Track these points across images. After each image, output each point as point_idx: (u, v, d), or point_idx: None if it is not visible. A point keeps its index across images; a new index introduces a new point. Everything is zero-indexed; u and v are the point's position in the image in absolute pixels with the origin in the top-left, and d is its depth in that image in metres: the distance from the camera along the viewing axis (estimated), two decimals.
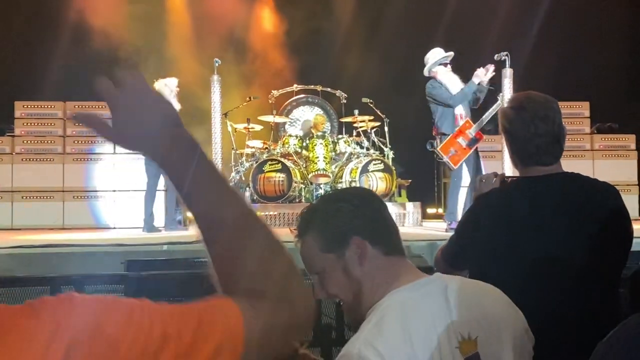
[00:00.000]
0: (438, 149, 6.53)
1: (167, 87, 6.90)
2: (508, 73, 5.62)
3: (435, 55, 6.51)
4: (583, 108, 8.81)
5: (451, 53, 6.45)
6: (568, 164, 7.77)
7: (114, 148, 8.27)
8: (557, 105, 2.12)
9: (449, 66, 6.41)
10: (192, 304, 0.79)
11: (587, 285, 1.93)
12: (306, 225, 1.49)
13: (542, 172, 2.05)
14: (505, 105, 2.20)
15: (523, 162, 2.11)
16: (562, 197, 2.00)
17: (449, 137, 6.28)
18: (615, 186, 7.78)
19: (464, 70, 6.78)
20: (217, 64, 5.64)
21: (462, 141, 6.16)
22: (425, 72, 6.47)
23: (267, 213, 7.41)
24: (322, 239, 1.45)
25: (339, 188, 1.71)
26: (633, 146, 8.68)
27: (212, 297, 0.83)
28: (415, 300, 1.38)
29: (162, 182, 7.22)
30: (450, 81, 6.35)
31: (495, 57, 5.89)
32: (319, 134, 8.09)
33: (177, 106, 7.07)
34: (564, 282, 1.92)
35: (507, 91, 5.50)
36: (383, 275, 1.43)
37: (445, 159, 6.39)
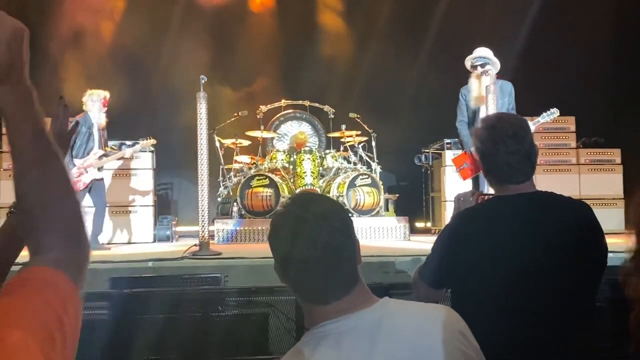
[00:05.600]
0: (452, 159, 6.56)
1: (93, 100, 6.79)
2: (492, 89, 5.65)
3: (474, 54, 6.26)
4: (569, 123, 8.89)
5: (479, 56, 6.19)
6: (554, 178, 7.86)
7: None
8: (527, 124, 2.18)
9: (479, 69, 6.15)
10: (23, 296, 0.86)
11: (563, 300, 1.95)
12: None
13: (515, 190, 2.07)
14: (478, 127, 2.24)
15: (497, 181, 2.14)
16: (535, 216, 2.03)
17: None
18: (602, 200, 7.87)
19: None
20: (203, 81, 5.65)
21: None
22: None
23: (254, 228, 7.42)
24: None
25: (302, 212, 1.62)
26: (618, 160, 8.74)
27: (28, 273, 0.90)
28: (336, 339, 1.35)
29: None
30: (475, 87, 6.16)
31: (479, 72, 5.94)
32: (306, 149, 8.12)
33: (102, 120, 6.89)
34: (538, 299, 1.95)
35: (492, 107, 5.53)
36: (315, 314, 1.43)
37: (456, 170, 6.42)
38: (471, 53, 6.31)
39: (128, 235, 8.10)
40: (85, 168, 6.78)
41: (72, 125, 1.93)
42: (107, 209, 7.20)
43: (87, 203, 6.98)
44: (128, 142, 8.23)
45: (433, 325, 1.39)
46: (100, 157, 6.90)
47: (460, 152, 6.65)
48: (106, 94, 6.92)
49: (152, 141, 7.34)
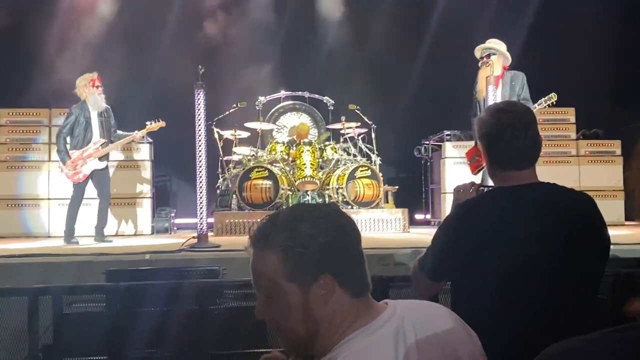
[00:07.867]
0: (466, 153, 6.49)
1: (82, 85, 6.58)
2: (492, 80, 5.61)
3: (484, 45, 6.27)
4: (569, 114, 8.85)
5: (486, 47, 6.22)
6: (554, 170, 7.87)
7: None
8: (534, 113, 2.17)
9: (485, 59, 6.12)
10: None
11: (564, 293, 1.93)
12: (267, 241, 1.36)
13: (517, 180, 2.05)
14: (483, 114, 2.21)
15: (499, 167, 2.10)
16: (537, 207, 1.99)
17: None
18: (602, 192, 7.91)
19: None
20: (201, 71, 5.60)
21: None
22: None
23: (253, 220, 7.39)
24: (290, 266, 1.32)
25: (310, 205, 1.70)
26: (618, 152, 8.71)
27: None
28: (366, 352, 1.30)
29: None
30: (480, 79, 6.12)
31: (480, 64, 5.89)
32: (306, 140, 8.08)
33: (101, 103, 6.60)
34: (541, 290, 1.93)
35: (491, 98, 5.49)
36: (342, 317, 1.34)
37: (467, 163, 6.33)
38: (472, 45, 6.27)
39: (126, 227, 8.08)
40: (85, 159, 6.56)
41: None
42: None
43: (91, 194, 6.90)
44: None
45: (443, 319, 1.41)
46: (102, 145, 6.66)
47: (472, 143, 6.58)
48: (93, 75, 6.64)
49: (162, 123, 6.93)
